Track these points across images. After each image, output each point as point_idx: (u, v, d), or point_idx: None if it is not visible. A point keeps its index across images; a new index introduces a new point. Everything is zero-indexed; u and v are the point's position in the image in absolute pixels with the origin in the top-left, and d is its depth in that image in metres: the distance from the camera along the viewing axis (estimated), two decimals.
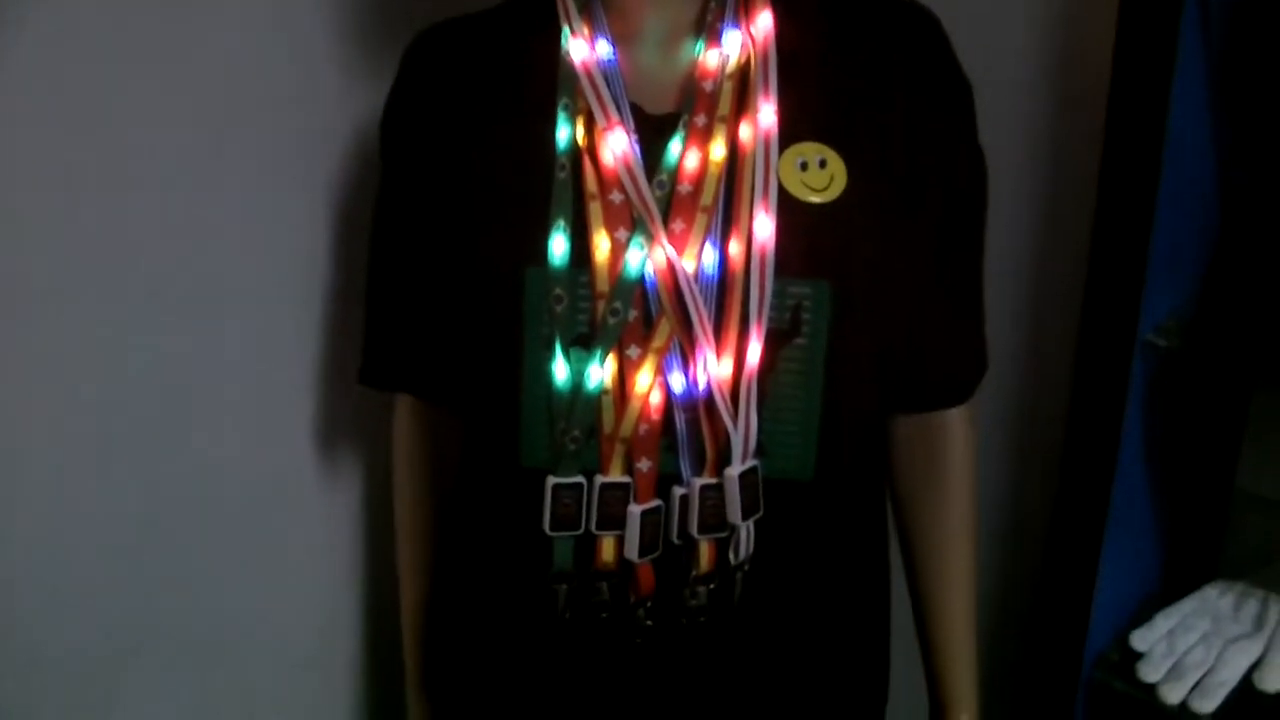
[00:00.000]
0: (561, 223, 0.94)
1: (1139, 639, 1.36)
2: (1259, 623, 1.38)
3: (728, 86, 0.96)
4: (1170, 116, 1.12)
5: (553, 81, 0.98)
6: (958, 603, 1.15)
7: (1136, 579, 1.41)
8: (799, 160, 0.95)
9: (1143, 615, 1.40)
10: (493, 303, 0.97)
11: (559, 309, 0.94)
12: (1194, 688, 1.30)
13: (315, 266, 1.31)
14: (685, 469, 0.96)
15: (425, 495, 1.21)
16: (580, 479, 0.95)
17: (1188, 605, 1.40)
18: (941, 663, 1.15)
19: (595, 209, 0.94)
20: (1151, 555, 1.43)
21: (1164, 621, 1.38)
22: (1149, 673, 1.32)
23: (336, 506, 1.41)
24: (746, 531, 0.97)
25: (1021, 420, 1.46)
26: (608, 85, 0.96)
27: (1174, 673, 1.31)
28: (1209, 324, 1.26)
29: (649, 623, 0.98)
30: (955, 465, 1.13)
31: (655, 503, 0.96)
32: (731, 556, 0.97)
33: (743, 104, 0.96)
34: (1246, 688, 1.30)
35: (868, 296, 0.97)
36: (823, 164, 0.95)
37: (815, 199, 0.94)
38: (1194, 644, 1.35)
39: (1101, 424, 1.25)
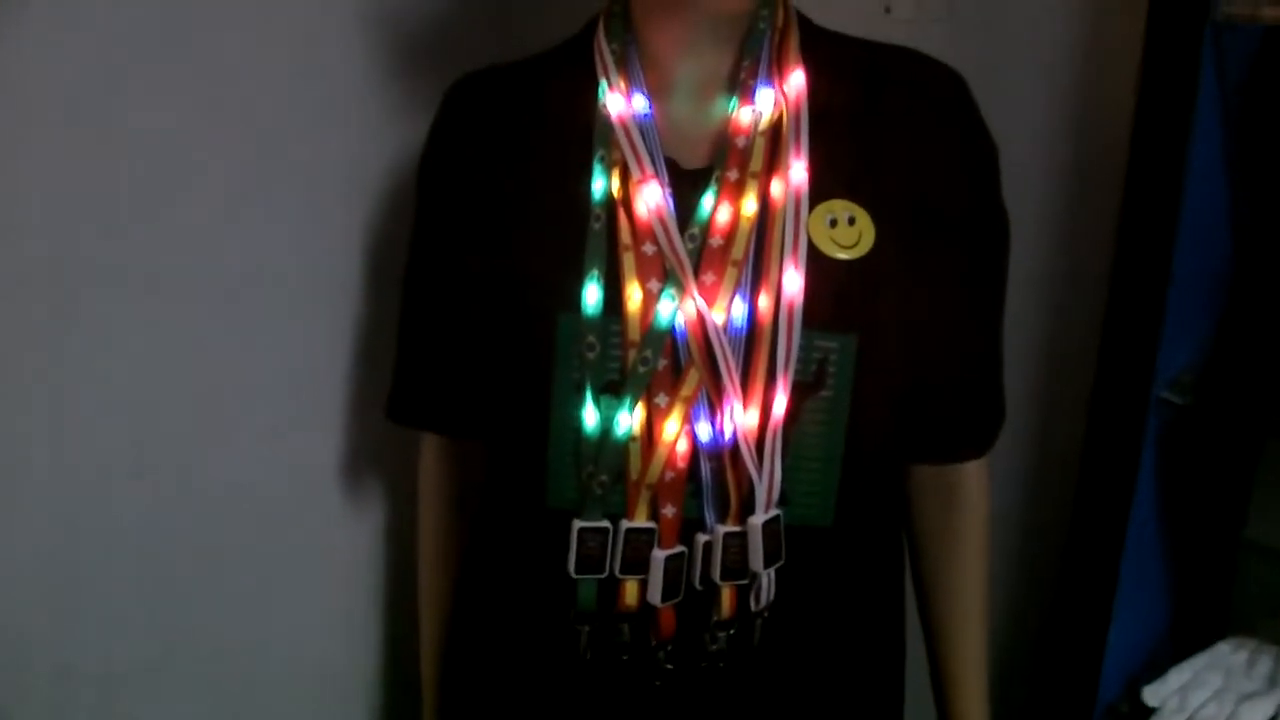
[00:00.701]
0: (595, 272, 0.96)
1: (1151, 694, 1.36)
2: (1272, 681, 1.38)
3: (760, 143, 0.98)
4: (1188, 173, 1.14)
5: (589, 133, 0.99)
6: (970, 648, 1.16)
7: (1147, 630, 1.42)
8: (828, 217, 0.97)
9: (1153, 667, 1.40)
10: (525, 346, 0.99)
11: (590, 355, 0.95)
12: None
13: (348, 292, 1.32)
14: (709, 516, 0.97)
15: (450, 530, 1.23)
16: (606, 523, 0.96)
17: (1200, 660, 1.40)
18: (954, 708, 1.16)
19: (629, 259, 0.96)
20: (1162, 606, 1.44)
21: (1176, 676, 1.38)
22: None
23: (360, 535, 1.41)
24: (768, 578, 0.98)
25: (1035, 469, 1.46)
26: (643, 139, 0.98)
27: None
28: (1221, 378, 1.27)
29: (669, 666, 0.99)
30: (971, 514, 1.14)
31: (679, 548, 0.97)
32: (752, 603, 0.98)
33: (774, 160, 0.98)
34: None
35: (892, 351, 0.99)
36: (851, 221, 0.97)
37: (843, 255, 0.96)
38: (1207, 700, 1.35)
39: (1115, 477, 1.27)
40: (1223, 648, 1.43)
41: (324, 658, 1.40)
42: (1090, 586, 1.30)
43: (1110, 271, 1.18)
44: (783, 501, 0.98)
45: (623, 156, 0.98)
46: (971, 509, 1.14)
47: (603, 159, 0.98)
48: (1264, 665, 1.40)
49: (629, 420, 0.95)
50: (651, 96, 1.00)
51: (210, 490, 1.25)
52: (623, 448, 0.96)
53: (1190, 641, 1.43)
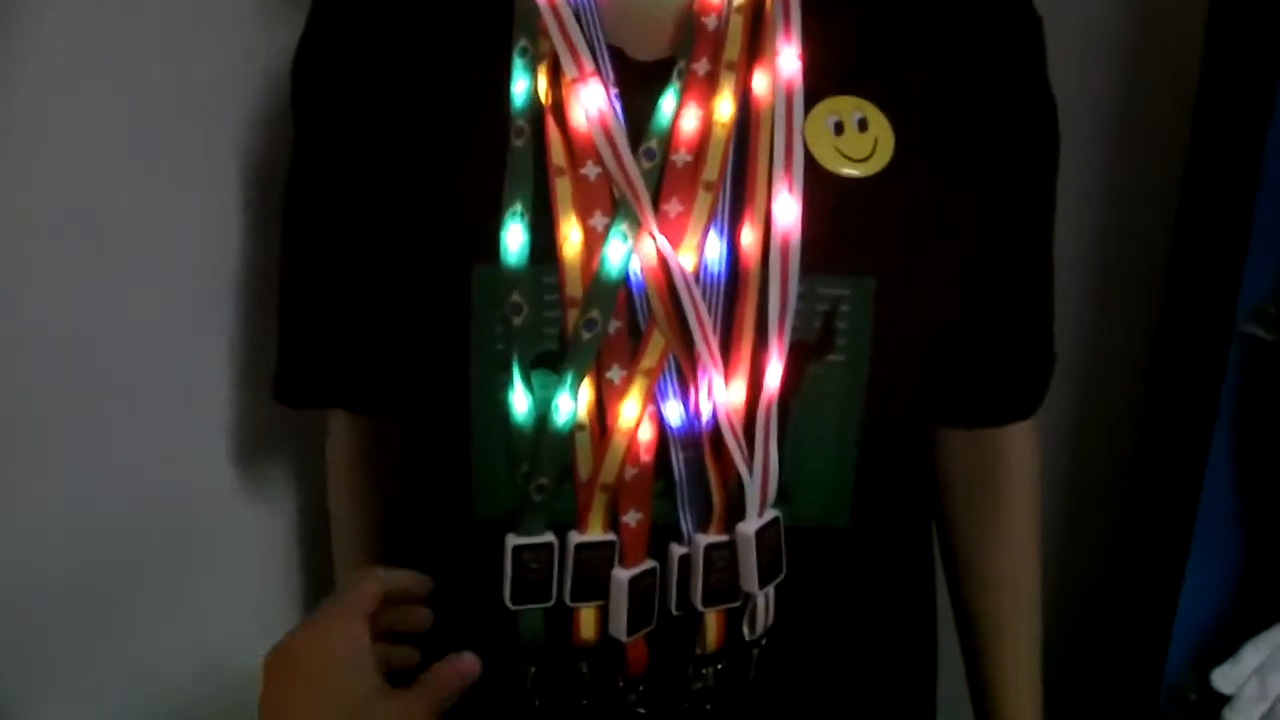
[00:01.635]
0: (519, 206, 0.72)
1: (1223, 678, 1.17)
2: None
3: (736, 22, 0.75)
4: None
5: (507, 18, 0.76)
6: (1022, 648, 0.95)
7: (1218, 600, 1.22)
8: (832, 120, 0.73)
9: (1222, 642, 1.20)
10: (432, 311, 0.76)
11: (517, 320, 0.72)
12: None
13: (230, 249, 1.11)
14: (686, 523, 0.75)
15: (371, 529, 1.00)
16: (549, 537, 0.74)
17: (1278, 636, 1.19)
18: (1003, 707, 0.95)
19: (563, 187, 0.73)
20: (1234, 572, 1.24)
21: (1252, 655, 1.18)
22: None
23: (272, 533, 1.22)
24: (765, 599, 0.76)
25: (1082, 419, 1.25)
26: (579, 23, 0.74)
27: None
28: None
29: (641, 710, 0.79)
30: (1018, 486, 0.93)
31: (648, 564, 0.76)
32: (746, 631, 0.77)
33: (756, 46, 0.75)
34: None
35: (920, 297, 0.77)
36: (862, 124, 0.74)
37: (854, 171, 0.73)
38: None
39: (1188, 425, 1.06)
40: None
41: (237, 667, 1.19)
42: (1157, 552, 1.09)
43: (1181, 180, 0.95)
44: (782, 498, 0.76)
45: (552, 47, 0.74)
46: (1018, 479, 0.93)
47: (525, 52, 0.74)
48: None
49: (572, 404, 0.72)
50: None
51: (88, 490, 1.08)
52: (566, 439, 0.73)
53: (1264, 611, 1.22)
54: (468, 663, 0.68)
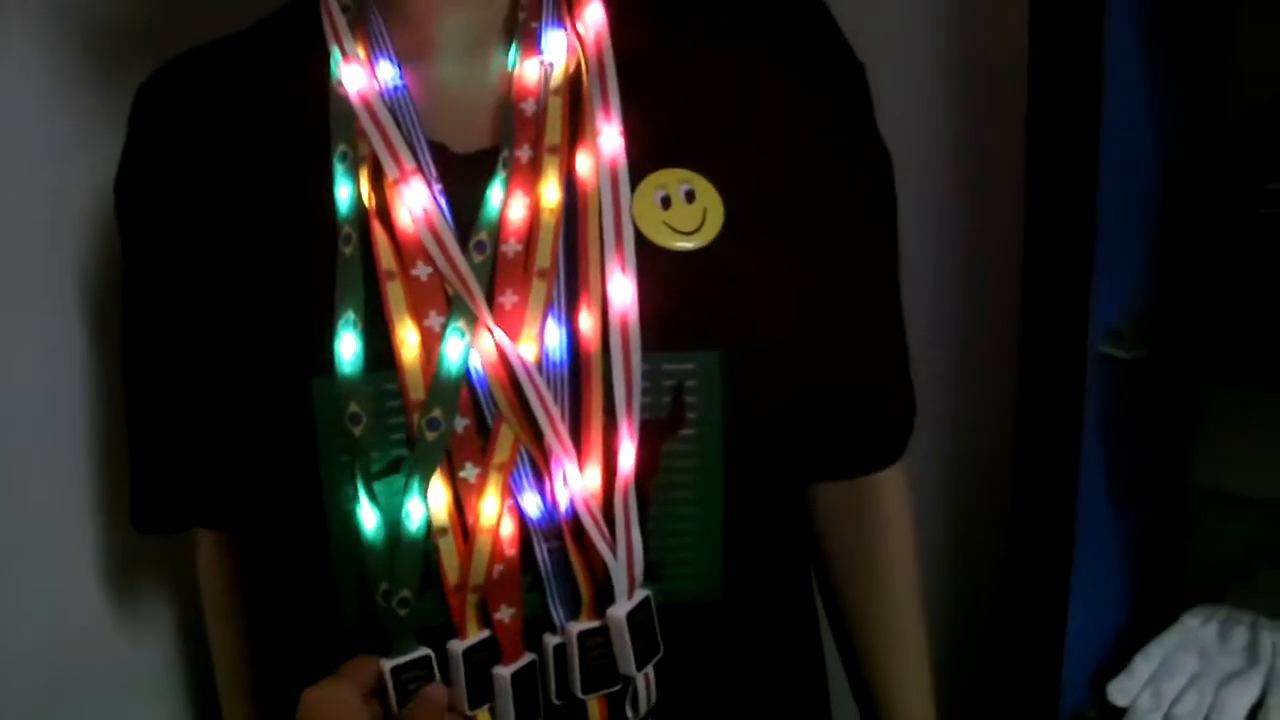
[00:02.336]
0: (351, 314, 0.70)
1: (1118, 690, 1.17)
2: (1252, 654, 1.19)
3: (555, 105, 0.74)
4: (1106, 77, 0.92)
5: (325, 124, 0.74)
6: (914, 692, 0.94)
7: (1105, 617, 1.22)
8: (659, 194, 0.73)
9: (1116, 657, 1.20)
10: (276, 426, 0.74)
11: (357, 430, 0.70)
12: None
13: (76, 372, 1.06)
14: (557, 613, 0.74)
15: (248, 644, 0.97)
16: (425, 651, 0.72)
17: (1168, 641, 1.21)
18: None
19: (395, 290, 0.71)
20: (1118, 587, 1.25)
21: (1144, 665, 1.19)
22: None
23: (145, 660, 1.15)
24: (646, 680, 0.75)
25: (958, 455, 1.25)
26: (396, 121, 0.73)
27: None
28: (1164, 324, 1.07)
29: None
30: (894, 533, 0.92)
31: (527, 658, 0.74)
32: (630, 714, 0.75)
33: (577, 127, 0.74)
34: None
35: (770, 362, 0.75)
36: (690, 196, 0.73)
37: (685, 244, 0.72)
38: (1183, 689, 1.16)
39: (1056, 451, 1.06)
40: (1190, 622, 1.24)
41: None
42: (1042, 576, 1.09)
43: (1025, 207, 0.96)
44: (653, 577, 0.74)
45: (372, 149, 0.72)
46: (892, 523, 0.92)
47: (345, 156, 0.73)
48: (1239, 636, 1.22)
49: (423, 508, 0.70)
50: (402, 62, 0.75)
51: None
52: (422, 546, 0.71)
53: (1152, 617, 1.23)
54: (435, 693, 0.70)
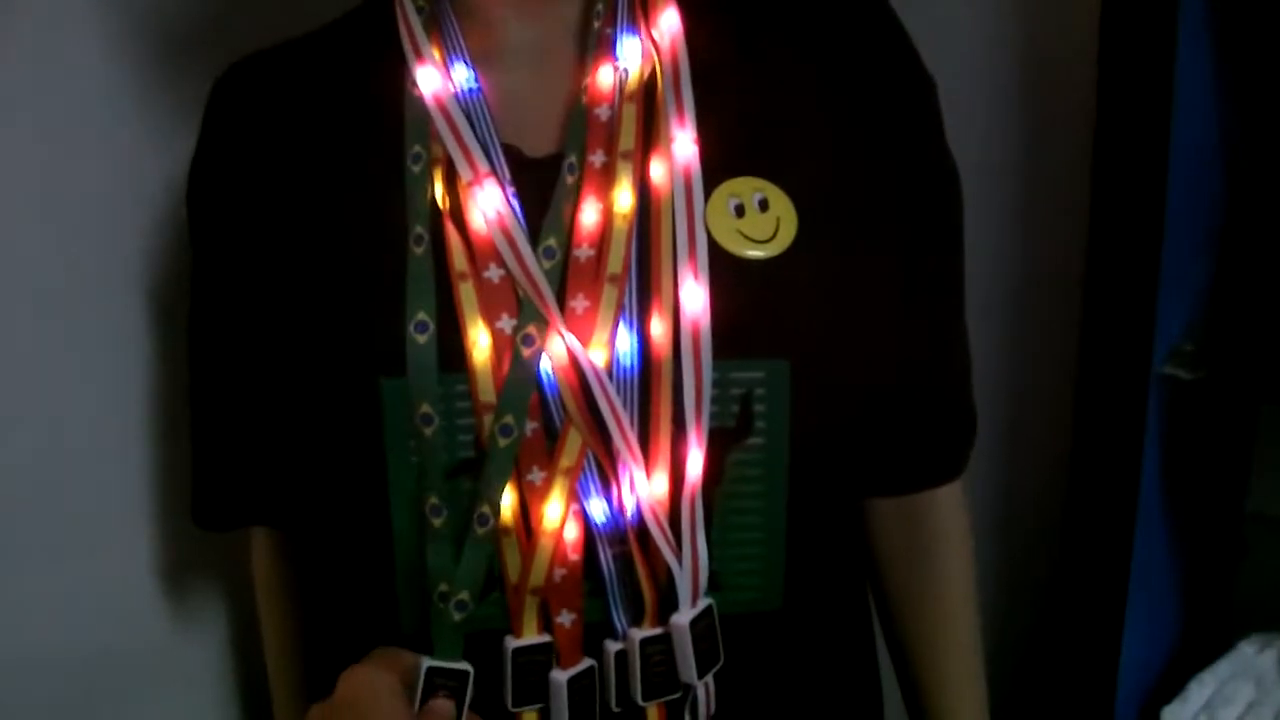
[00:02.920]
0: (423, 314, 0.70)
1: (1172, 716, 1.16)
2: None
3: (629, 111, 0.74)
4: (1176, 97, 0.92)
5: (399, 125, 0.74)
6: (969, 711, 0.93)
7: (1159, 641, 1.21)
8: (732, 202, 0.72)
9: (1170, 681, 1.19)
10: (344, 426, 0.74)
11: (428, 431, 0.70)
12: None
13: (136, 367, 1.06)
14: (619, 619, 0.73)
15: (301, 645, 0.98)
16: (464, 665, 0.71)
17: (1223, 669, 1.19)
18: None
19: (467, 292, 0.71)
20: (1172, 610, 1.23)
21: (1199, 691, 1.17)
22: None
23: (194, 664, 1.15)
24: (705, 689, 0.74)
25: (1013, 476, 1.24)
26: (470, 124, 0.73)
27: None
28: (1224, 344, 1.06)
29: None
30: (951, 551, 0.92)
31: (585, 664, 0.73)
32: None
33: (651, 133, 0.74)
34: None
35: (838, 373, 0.75)
36: (763, 205, 0.73)
37: (758, 253, 0.72)
38: (1239, 717, 1.15)
39: (1115, 472, 1.06)
40: (1246, 650, 1.22)
41: None
42: (1096, 598, 1.08)
43: (1089, 223, 0.95)
44: (714, 586, 0.74)
45: (445, 151, 0.73)
46: (950, 541, 0.92)
47: (419, 158, 0.73)
48: None
49: (493, 512, 0.70)
50: (477, 66, 0.75)
51: (18, 640, 1.01)
52: (489, 549, 0.71)
53: (1208, 646, 1.22)
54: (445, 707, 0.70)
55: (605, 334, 0.71)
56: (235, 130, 0.80)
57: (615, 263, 0.71)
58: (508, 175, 0.73)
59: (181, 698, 1.15)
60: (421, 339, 0.70)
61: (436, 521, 0.71)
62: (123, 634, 1.09)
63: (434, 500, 0.71)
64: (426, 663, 0.71)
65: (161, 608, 1.12)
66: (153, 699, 1.12)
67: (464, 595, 0.71)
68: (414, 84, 0.74)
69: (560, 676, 0.72)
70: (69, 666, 1.05)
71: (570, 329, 0.70)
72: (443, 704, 0.70)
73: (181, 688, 1.15)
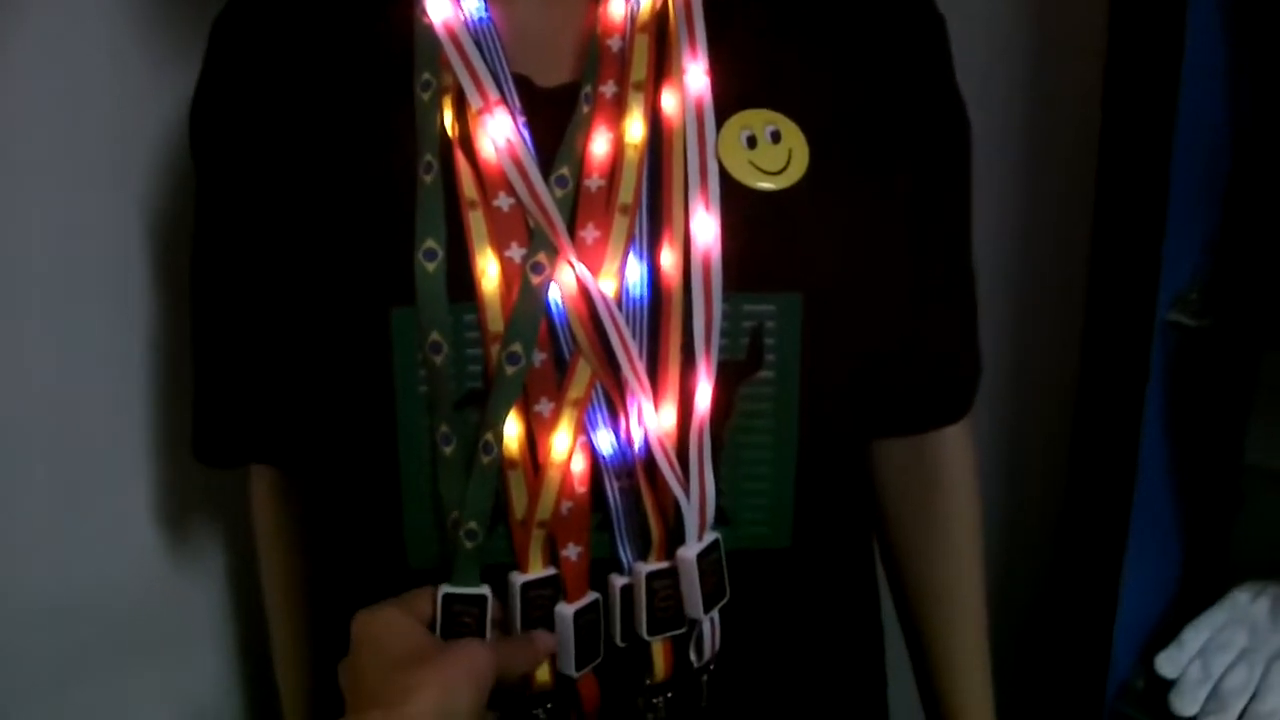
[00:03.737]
0: (432, 243, 0.69)
1: (1167, 662, 1.17)
2: None
3: (641, 42, 0.73)
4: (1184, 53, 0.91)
5: (408, 52, 0.73)
6: (971, 651, 0.94)
7: (1157, 588, 1.22)
8: (744, 134, 0.72)
9: (1166, 629, 1.20)
10: (351, 357, 0.73)
11: (438, 360, 0.69)
12: (1240, 719, 1.10)
13: (139, 306, 1.05)
14: (625, 553, 0.73)
15: (299, 582, 0.97)
16: (482, 589, 0.72)
17: (1218, 615, 1.20)
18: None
19: (476, 220, 0.70)
20: (1172, 559, 1.24)
21: (1194, 638, 1.18)
22: (1184, 705, 1.13)
23: (196, 604, 1.15)
24: (711, 624, 0.74)
25: (1018, 420, 1.24)
26: (481, 52, 0.72)
27: (1214, 703, 1.12)
28: (1229, 291, 1.06)
29: None
30: (957, 492, 0.92)
31: (590, 597, 0.73)
32: (694, 657, 0.75)
33: (663, 64, 0.73)
34: None
35: (848, 307, 0.75)
36: (775, 136, 0.72)
37: (770, 185, 0.71)
38: (1233, 663, 1.15)
39: (1118, 418, 1.05)
40: (1240, 597, 1.22)
41: None
42: (1096, 546, 1.09)
43: (1096, 175, 0.94)
44: (722, 521, 0.74)
45: (456, 80, 0.72)
46: (955, 483, 0.92)
47: (428, 85, 0.72)
48: None
49: (499, 441, 0.70)
50: None
51: (18, 578, 1.00)
52: (496, 479, 0.70)
53: (1202, 591, 1.23)
54: (545, 641, 0.71)
55: (615, 264, 0.70)
56: (238, 61, 0.79)
57: (626, 193, 0.70)
58: (518, 104, 0.72)
59: (184, 639, 1.15)
60: (431, 267, 0.69)
61: (447, 450, 0.70)
62: (125, 575, 1.08)
63: (444, 429, 0.70)
64: (444, 589, 0.71)
65: (165, 549, 1.12)
66: (156, 641, 1.12)
67: (473, 525, 0.71)
68: (423, 12, 0.73)
69: (566, 610, 0.72)
70: (72, 608, 1.05)
71: (580, 259, 0.70)
72: (548, 638, 0.72)
73: (185, 629, 1.15)
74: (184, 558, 1.13)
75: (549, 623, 0.73)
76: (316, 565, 0.95)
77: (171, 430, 1.07)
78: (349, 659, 0.68)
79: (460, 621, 0.70)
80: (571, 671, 0.73)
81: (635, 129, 0.71)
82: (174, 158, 1.01)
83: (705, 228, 0.70)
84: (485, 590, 0.71)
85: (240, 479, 0.97)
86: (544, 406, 0.71)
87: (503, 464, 0.71)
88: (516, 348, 0.69)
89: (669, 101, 0.72)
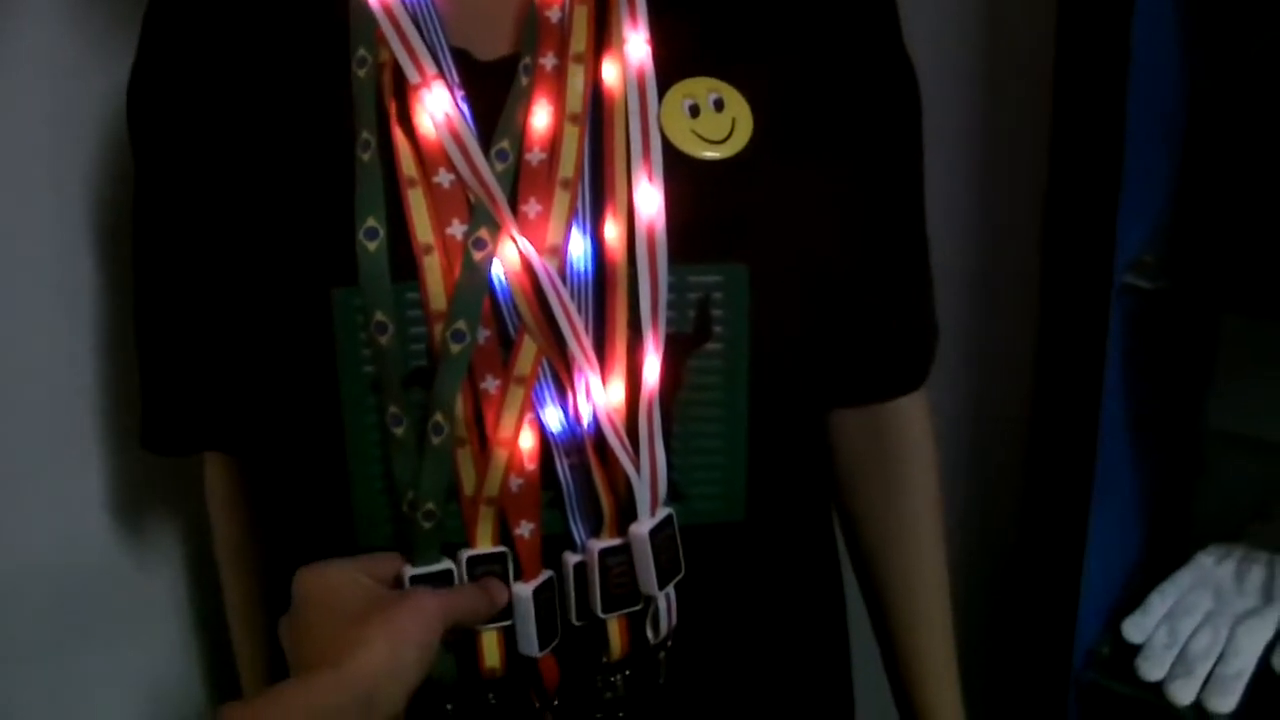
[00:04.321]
0: (372, 222, 0.68)
1: (1133, 627, 1.17)
2: (1267, 593, 1.19)
3: (581, 13, 0.72)
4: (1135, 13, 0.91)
5: (345, 29, 0.72)
6: (935, 622, 0.94)
7: (1122, 554, 1.22)
8: (687, 103, 0.71)
9: (1132, 595, 1.20)
10: (294, 339, 0.72)
11: (383, 339, 0.68)
12: (1206, 682, 1.11)
13: (86, 289, 1.03)
14: (577, 530, 0.72)
15: (256, 570, 0.96)
16: (447, 565, 0.71)
17: (1184, 579, 1.21)
18: (922, 695, 0.94)
19: (416, 198, 0.69)
20: (1134, 524, 1.24)
21: (1159, 602, 1.19)
22: (1151, 669, 1.13)
23: (150, 591, 1.13)
24: (667, 601, 0.74)
25: (978, 389, 1.24)
26: (418, 26, 0.71)
27: (1180, 666, 1.13)
28: (1184, 253, 1.06)
29: None
30: (916, 462, 0.92)
31: (545, 575, 0.72)
32: (650, 634, 0.74)
33: (604, 35, 0.72)
34: (1266, 673, 1.11)
35: (796, 277, 0.74)
36: (719, 105, 0.71)
37: (713, 154, 0.71)
38: (1198, 626, 1.16)
39: (1078, 383, 1.06)
40: (1205, 561, 1.24)
41: None
42: (1060, 514, 1.08)
43: (1049, 141, 0.94)
44: (675, 497, 0.73)
45: (392, 54, 0.70)
46: (914, 453, 0.91)
47: (365, 62, 0.70)
48: (1256, 575, 1.22)
49: (448, 419, 0.69)
50: None
51: None
52: (448, 457, 0.69)
53: (1167, 554, 1.23)
54: (498, 589, 0.69)
55: (559, 238, 0.69)
56: (175, 39, 0.78)
57: (568, 166, 0.69)
58: (457, 79, 0.71)
59: (138, 624, 1.14)
60: (372, 246, 0.68)
61: (398, 431, 0.69)
62: (78, 559, 1.07)
63: (394, 409, 0.69)
64: (409, 572, 0.70)
65: (117, 535, 1.10)
66: (113, 626, 1.11)
67: (431, 505, 0.70)
68: None
69: (525, 590, 0.71)
70: (26, 595, 1.03)
71: (523, 234, 0.69)
72: (499, 587, 0.71)
73: (138, 615, 1.13)
74: (140, 545, 1.11)
75: (506, 605, 0.72)
76: (273, 551, 0.94)
77: (124, 418, 1.05)
78: (290, 616, 0.67)
79: None
80: (534, 652, 0.72)
81: (575, 101, 0.70)
82: (116, 144, 0.99)
83: (649, 199, 0.69)
84: (449, 565, 0.70)
85: (195, 465, 0.96)
86: (490, 384, 0.70)
87: (452, 441, 0.70)
88: (461, 325, 0.68)
89: (610, 72, 0.71)
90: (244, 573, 0.97)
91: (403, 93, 0.70)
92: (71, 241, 1.02)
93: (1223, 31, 1.11)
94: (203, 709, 1.19)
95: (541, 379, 0.70)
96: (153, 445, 0.87)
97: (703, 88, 0.71)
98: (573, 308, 0.69)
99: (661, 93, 0.71)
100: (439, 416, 0.69)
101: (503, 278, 0.69)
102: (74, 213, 1.01)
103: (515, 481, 0.71)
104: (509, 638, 0.73)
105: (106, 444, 1.06)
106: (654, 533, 0.71)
